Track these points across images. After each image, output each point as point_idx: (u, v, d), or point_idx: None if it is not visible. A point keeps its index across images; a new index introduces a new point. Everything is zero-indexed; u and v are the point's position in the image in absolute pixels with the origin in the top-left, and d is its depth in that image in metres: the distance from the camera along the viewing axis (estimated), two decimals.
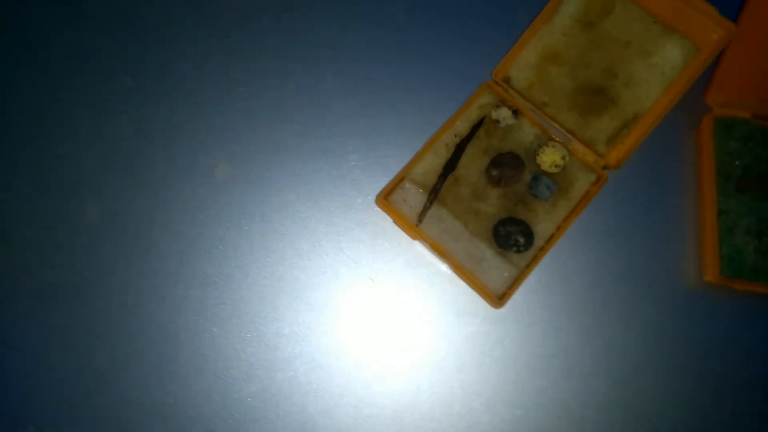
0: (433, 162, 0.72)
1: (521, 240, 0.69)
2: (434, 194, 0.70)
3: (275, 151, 0.74)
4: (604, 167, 0.72)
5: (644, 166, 0.74)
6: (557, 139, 0.73)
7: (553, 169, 0.72)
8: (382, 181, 0.73)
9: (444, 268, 0.70)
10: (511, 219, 0.70)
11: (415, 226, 0.70)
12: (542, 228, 0.71)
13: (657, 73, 0.73)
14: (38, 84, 0.75)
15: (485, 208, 0.71)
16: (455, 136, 0.73)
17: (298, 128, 0.75)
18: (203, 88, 0.75)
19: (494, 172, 0.71)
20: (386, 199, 0.71)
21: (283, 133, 0.75)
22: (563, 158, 0.72)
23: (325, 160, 0.74)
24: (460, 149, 0.72)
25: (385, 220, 0.73)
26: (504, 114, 0.74)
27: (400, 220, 0.70)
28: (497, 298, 0.68)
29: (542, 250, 0.70)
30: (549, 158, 0.72)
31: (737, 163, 0.70)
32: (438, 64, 0.77)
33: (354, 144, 0.75)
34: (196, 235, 0.71)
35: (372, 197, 0.74)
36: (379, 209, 0.71)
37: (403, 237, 0.72)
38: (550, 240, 0.70)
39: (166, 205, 0.72)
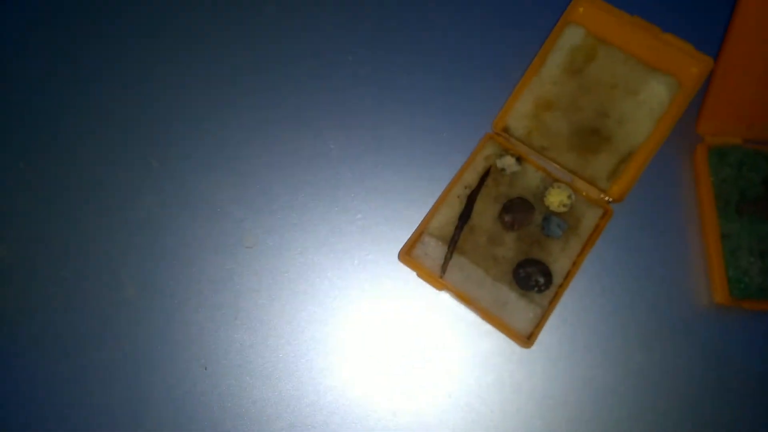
0: (448, 214, 0.76)
1: (541, 280, 0.73)
2: (453, 245, 0.74)
3: (296, 214, 0.77)
4: (609, 201, 0.77)
5: (646, 196, 0.78)
6: (561, 179, 0.77)
7: (562, 209, 0.76)
8: (401, 237, 0.77)
9: (470, 314, 0.73)
10: (528, 260, 0.74)
11: (439, 277, 0.73)
12: (559, 266, 0.74)
13: (645, 110, 0.78)
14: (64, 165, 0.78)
15: (503, 253, 0.75)
16: (465, 188, 0.77)
17: (314, 191, 0.78)
18: (224, 163, 0.79)
19: (507, 218, 0.75)
20: (409, 255, 0.74)
21: (302, 199, 0.78)
22: (569, 197, 0.76)
23: (345, 218, 0.77)
24: (471, 200, 0.76)
25: (409, 274, 0.76)
26: (508, 162, 0.78)
27: (425, 274, 0.73)
28: (525, 338, 0.71)
29: (561, 286, 0.73)
30: (556, 198, 0.76)
31: (733, 188, 0.75)
32: (440, 121, 0.82)
33: (370, 203, 0.78)
34: (223, 303, 0.74)
35: (394, 254, 0.77)
36: (402, 264, 0.74)
37: (427, 289, 0.75)
38: (568, 276, 0.73)
39: (200, 275, 0.74)
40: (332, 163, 0.79)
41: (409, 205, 0.78)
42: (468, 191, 0.77)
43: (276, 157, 0.79)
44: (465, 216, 0.75)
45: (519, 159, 0.78)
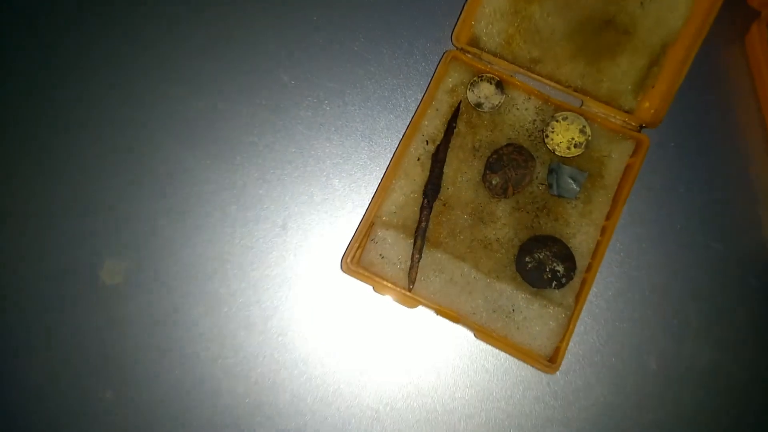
0: (407, 189, 0.50)
1: (559, 267, 0.48)
2: (421, 236, 0.49)
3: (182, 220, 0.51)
4: (640, 127, 0.51)
5: (692, 111, 0.53)
6: (567, 105, 0.51)
7: (574, 151, 0.50)
8: (343, 236, 0.51)
9: (462, 333, 0.49)
10: (536, 240, 0.49)
11: (407, 290, 0.48)
12: (581, 239, 0.49)
13: None
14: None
15: (496, 233, 0.50)
16: (426, 143, 0.51)
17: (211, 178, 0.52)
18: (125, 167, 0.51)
19: (495, 180, 0.50)
20: (355, 262, 0.49)
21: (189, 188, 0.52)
22: (582, 131, 0.50)
23: (260, 217, 0.51)
24: (438, 160, 0.50)
25: (362, 290, 0.51)
26: (484, 91, 0.51)
27: (385, 287, 0.48)
28: (547, 360, 0.48)
29: (589, 270, 0.49)
30: (563, 136, 0.50)
31: None
32: (378, 45, 0.54)
33: (294, 194, 0.52)
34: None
35: (335, 262, 0.52)
36: (349, 277, 0.49)
37: (393, 308, 0.51)
38: (596, 253, 0.49)
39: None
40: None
41: (349, 185, 0.52)
42: (431, 148, 0.50)
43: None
44: (432, 187, 0.49)
45: (500, 84, 0.51)
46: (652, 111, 0.51)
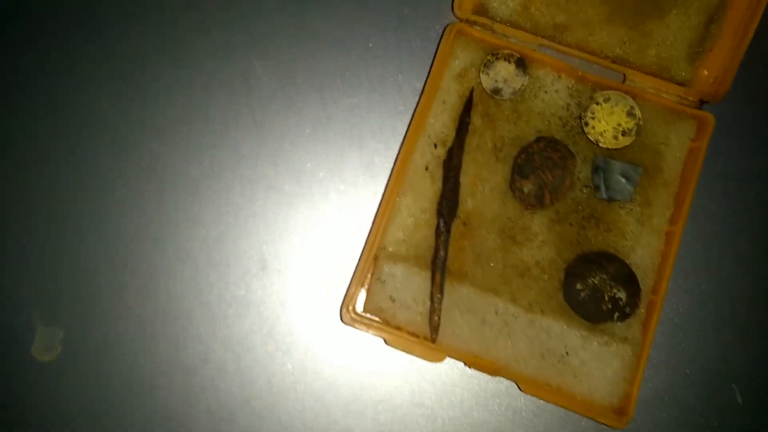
0: (415, 208, 0.39)
1: (620, 294, 0.38)
2: (440, 268, 0.38)
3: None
4: (701, 102, 0.40)
5: (763, 78, 0.42)
6: (608, 82, 0.40)
7: (622, 140, 0.39)
8: (341, 279, 0.40)
9: (505, 386, 0.39)
10: (586, 259, 0.38)
11: (429, 341, 0.37)
12: (643, 252, 0.39)
13: None
14: None
15: (535, 255, 0.39)
16: (434, 146, 0.39)
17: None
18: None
19: (526, 186, 0.39)
20: (359, 313, 0.38)
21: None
22: (631, 113, 0.39)
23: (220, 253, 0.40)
24: (451, 168, 0.39)
25: (369, 344, 0.40)
26: (502, 73, 0.40)
27: (400, 339, 0.37)
28: (613, 414, 0.37)
29: (657, 292, 0.38)
30: (608, 123, 0.39)
31: None
32: (364, 23, 0.42)
33: (278, 228, 0.41)
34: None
35: (334, 311, 0.40)
36: (352, 329, 0.38)
37: (411, 362, 0.40)
38: (664, 267, 0.38)
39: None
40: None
41: (342, 209, 0.41)
42: (441, 152, 0.39)
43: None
44: (447, 203, 0.38)
45: (520, 61, 0.40)
46: (713, 81, 0.40)
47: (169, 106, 0.41)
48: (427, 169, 0.39)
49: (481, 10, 0.41)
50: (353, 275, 0.38)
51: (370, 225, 0.39)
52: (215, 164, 0.41)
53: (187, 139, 0.41)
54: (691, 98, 0.40)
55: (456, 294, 0.38)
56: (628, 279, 0.38)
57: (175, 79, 0.42)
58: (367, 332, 0.37)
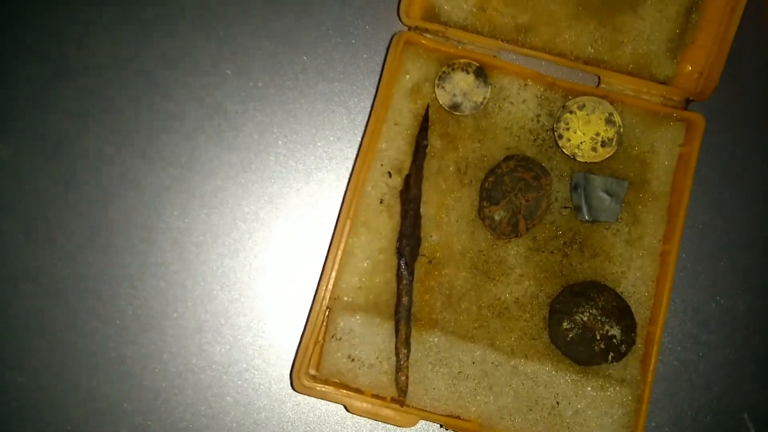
0: (371, 249, 0.34)
1: (614, 330, 0.33)
2: (404, 317, 0.33)
3: None
4: (687, 101, 0.35)
5: (752, 71, 0.38)
6: (581, 87, 0.35)
7: (602, 152, 0.35)
8: (289, 333, 0.35)
9: None
10: (573, 293, 0.33)
11: (397, 403, 0.32)
12: (635, 278, 0.34)
13: None
14: None
15: (513, 291, 0.34)
16: (389, 175, 0.34)
17: None
18: None
19: (497, 214, 0.34)
20: (314, 377, 0.32)
21: None
22: (610, 120, 0.35)
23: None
24: (410, 199, 0.34)
25: (328, 411, 0.35)
26: (460, 85, 0.35)
27: (363, 404, 0.32)
28: None
29: (655, 322, 0.33)
30: (585, 133, 0.35)
31: None
32: (301, 35, 0.37)
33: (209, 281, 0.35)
34: None
35: (284, 377, 0.35)
36: (306, 397, 0.33)
37: (382, 428, 0.34)
38: (660, 292, 0.34)
39: None
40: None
41: (285, 255, 0.36)
42: (396, 182, 0.34)
43: None
44: (408, 241, 0.33)
45: (480, 71, 0.35)
46: (698, 76, 0.36)
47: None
48: (381, 201, 0.34)
49: (432, 15, 0.36)
50: (303, 333, 0.33)
51: (319, 273, 0.34)
52: (140, 219, 0.36)
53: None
54: (675, 98, 0.35)
55: (425, 345, 0.33)
56: (622, 312, 0.33)
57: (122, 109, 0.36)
58: (324, 399, 0.32)
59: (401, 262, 0.33)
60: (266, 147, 0.36)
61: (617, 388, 0.33)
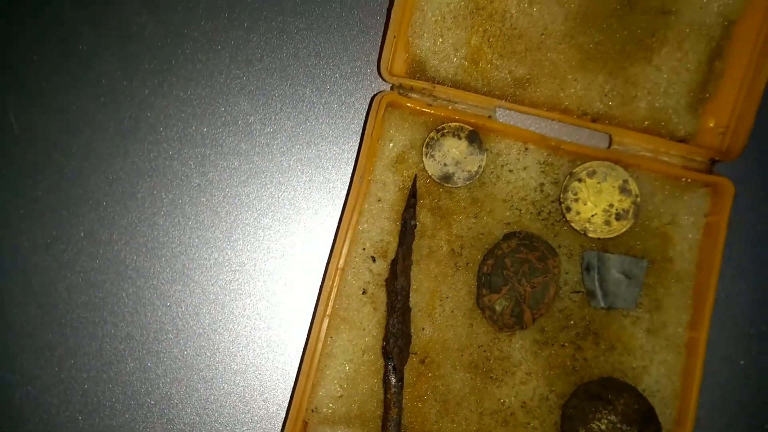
0: (354, 349, 0.29)
1: None
2: (394, 429, 0.28)
3: None
4: (712, 162, 0.31)
5: None
6: (590, 150, 0.30)
7: (617, 226, 0.30)
8: None
9: None
10: (589, 394, 0.29)
11: None
12: (659, 373, 0.30)
13: None
14: None
15: (519, 393, 0.29)
16: (372, 260, 0.30)
17: None
18: None
19: (499, 304, 0.29)
20: None
21: None
22: (624, 189, 0.30)
23: None
24: (397, 289, 0.29)
25: None
26: (452, 153, 0.30)
27: None
28: None
29: (682, 425, 0.29)
30: (596, 205, 0.30)
31: None
32: (272, 95, 0.32)
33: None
34: None
35: None
36: None
37: None
38: (689, 389, 0.29)
39: None
40: None
41: (254, 362, 0.31)
42: (381, 267, 0.30)
43: None
44: (396, 340, 0.29)
45: (473, 135, 0.30)
46: (723, 132, 0.31)
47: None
48: (364, 292, 0.29)
49: (417, 70, 0.31)
50: None
51: (293, 381, 0.29)
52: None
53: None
54: (698, 158, 0.31)
55: None
56: (645, 416, 0.29)
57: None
58: None
59: (389, 365, 0.28)
60: (236, 222, 0.32)
61: None
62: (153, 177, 0.32)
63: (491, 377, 0.29)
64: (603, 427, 0.28)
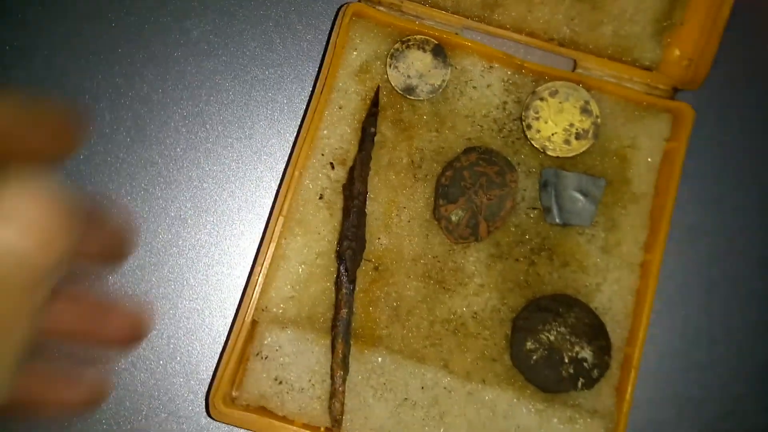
0: (308, 252, 0.29)
1: (585, 353, 0.28)
2: (343, 333, 0.28)
3: None
4: (675, 90, 0.31)
5: (749, 56, 0.34)
6: (554, 71, 0.31)
7: (576, 146, 0.30)
8: (207, 348, 0.30)
9: None
10: (539, 307, 0.29)
11: None
12: (611, 291, 0.30)
13: None
14: None
15: (471, 304, 0.29)
16: (331, 166, 0.29)
17: None
18: None
19: (455, 214, 0.29)
20: (232, 403, 0.28)
21: None
22: (586, 110, 0.30)
23: None
24: (354, 194, 0.29)
25: None
26: (416, 65, 0.30)
27: None
28: None
29: (632, 344, 0.29)
30: (557, 124, 0.30)
31: None
32: (233, 6, 0.32)
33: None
34: None
35: (200, 402, 0.30)
36: (222, 426, 0.28)
37: None
38: (640, 309, 0.29)
39: None
40: None
41: (209, 255, 0.31)
42: (340, 174, 0.30)
43: None
44: (351, 243, 0.28)
45: (439, 49, 0.30)
46: (688, 62, 0.31)
47: None
48: (321, 197, 0.29)
49: None
50: (222, 350, 0.28)
51: (245, 280, 0.29)
52: None
53: None
54: (661, 86, 0.31)
55: (367, 366, 0.28)
56: (595, 331, 0.29)
57: None
58: (245, 429, 0.27)
59: (341, 267, 0.28)
60: (193, 141, 0.31)
61: (588, 420, 0.28)
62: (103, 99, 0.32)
63: (444, 287, 0.29)
64: (552, 337, 0.28)
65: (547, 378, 0.28)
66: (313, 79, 0.32)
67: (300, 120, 0.31)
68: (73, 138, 0.20)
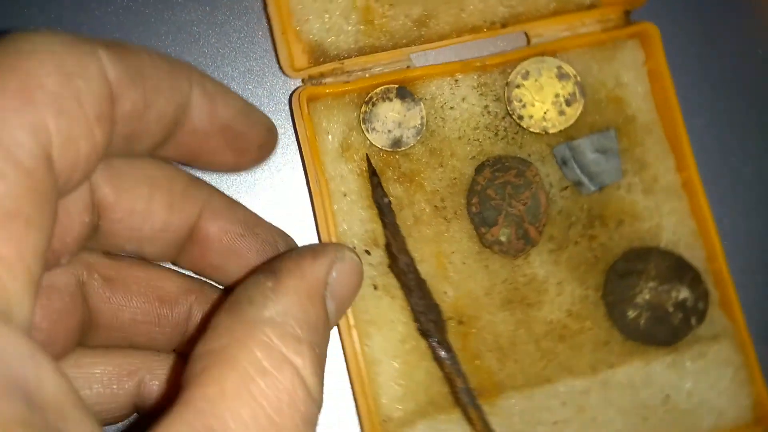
0: (392, 347, 0.28)
1: (683, 293, 0.29)
2: (468, 398, 0.27)
3: None
4: (627, 14, 0.31)
5: None
6: (515, 54, 0.30)
7: (571, 112, 0.30)
8: None
9: None
10: (619, 275, 0.29)
11: None
12: (673, 222, 0.30)
13: None
14: None
15: (560, 305, 0.29)
16: (367, 254, 0.29)
17: None
18: None
19: (502, 234, 0.29)
20: None
21: None
22: (561, 74, 0.30)
23: None
24: (403, 270, 0.28)
25: None
26: (390, 118, 0.30)
27: None
28: (756, 428, 0.28)
29: (714, 259, 0.29)
30: (543, 101, 0.30)
31: None
32: None
33: None
34: None
35: None
36: None
37: None
38: (705, 224, 0.30)
39: None
40: None
41: None
42: (380, 256, 0.29)
43: None
44: (427, 316, 0.28)
45: (403, 91, 0.29)
46: None
47: None
48: (375, 288, 0.28)
49: (319, 54, 0.30)
50: None
51: (351, 395, 0.28)
52: None
53: None
54: (613, 16, 0.31)
55: (505, 414, 0.28)
56: (678, 268, 0.29)
57: None
58: None
59: (433, 342, 0.28)
60: None
61: (715, 347, 0.29)
62: None
63: (528, 304, 0.29)
64: (647, 296, 0.28)
65: (663, 334, 0.28)
66: (297, 162, 0.30)
67: (311, 211, 0.29)
68: (268, 152, 0.22)
